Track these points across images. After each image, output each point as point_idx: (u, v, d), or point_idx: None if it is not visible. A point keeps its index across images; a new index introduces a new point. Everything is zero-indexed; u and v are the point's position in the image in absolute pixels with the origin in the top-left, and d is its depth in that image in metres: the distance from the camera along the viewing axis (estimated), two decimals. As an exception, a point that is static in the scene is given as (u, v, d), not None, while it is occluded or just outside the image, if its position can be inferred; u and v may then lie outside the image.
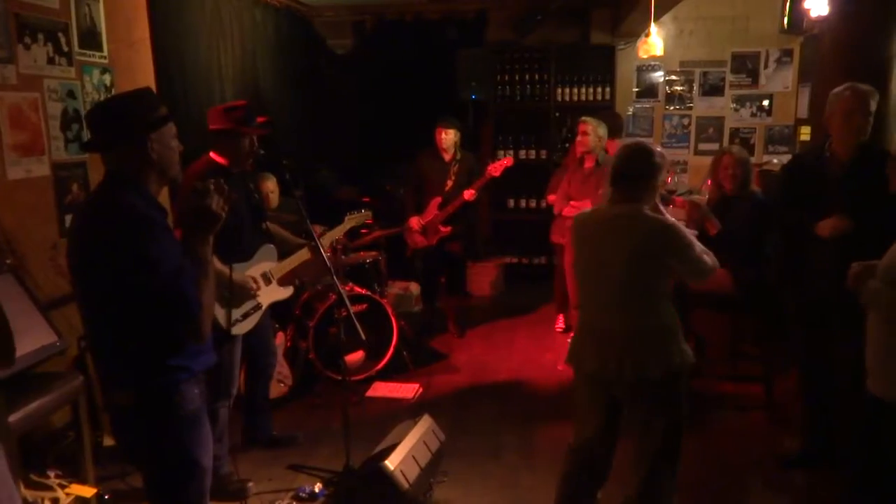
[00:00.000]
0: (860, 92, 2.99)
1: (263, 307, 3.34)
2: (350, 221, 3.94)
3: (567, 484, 2.70)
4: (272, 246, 3.42)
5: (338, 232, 3.93)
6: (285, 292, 3.50)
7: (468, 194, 5.00)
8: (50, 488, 2.84)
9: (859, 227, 2.92)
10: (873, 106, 2.99)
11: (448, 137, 5.07)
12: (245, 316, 3.21)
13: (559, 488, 2.73)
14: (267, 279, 3.36)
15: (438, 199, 5.13)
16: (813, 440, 3.33)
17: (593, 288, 2.55)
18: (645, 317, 2.43)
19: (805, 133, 6.24)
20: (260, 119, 3.23)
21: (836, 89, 3.07)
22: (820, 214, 3.05)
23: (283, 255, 3.49)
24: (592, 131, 4.48)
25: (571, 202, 4.54)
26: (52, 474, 2.91)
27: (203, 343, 2.03)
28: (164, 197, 2.53)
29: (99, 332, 2.02)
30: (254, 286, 3.24)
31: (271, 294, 3.40)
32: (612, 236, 2.46)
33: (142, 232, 1.86)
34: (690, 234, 2.50)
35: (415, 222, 5.16)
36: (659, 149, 2.53)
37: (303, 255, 3.50)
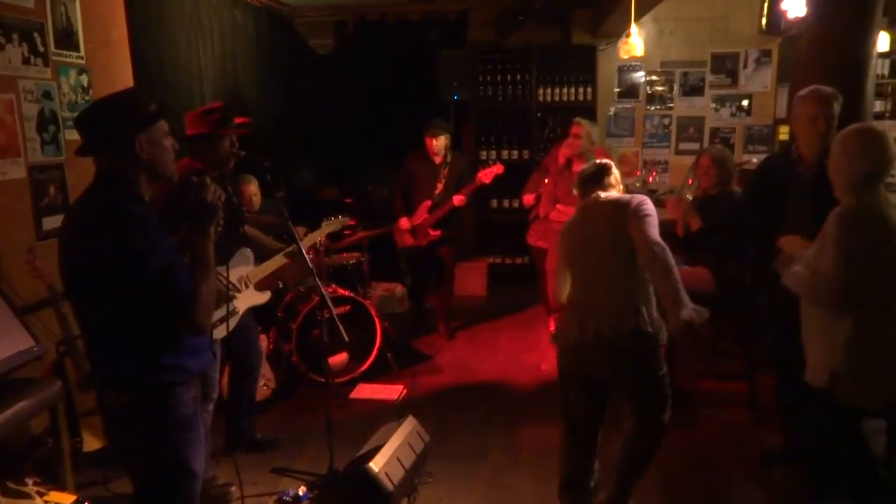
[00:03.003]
0: (822, 96, 3.00)
1: (240, 312, 3.31)
2: (327, 227, 3.91)
3: (563, 455, 2.93)
4: (249, 250, 3.39)
5: (315, 237, 3.90)
6: (262, 297, 3.48)
7: (458, 200, 4.97)
8: (28, 496, 2.79)
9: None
10: (836, 109, 3.00)
11: (439, 144, 5.02)
12: (221, 321, 3.18)
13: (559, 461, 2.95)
14: (244, 284, 3.32)
15: (428, 203, 5.09)
16: (793, 437, 3.37)
17: (579, 271, 2.80)
18: (621, 288, 2.69)
19: (784, 133, 6.31)
20: (239, 120, 3.20)
21: (801, 92, 3.09)
22: (788, 216, 3.08)
23: (260, 259, 3.46)
24: (586, 134, 4.42)
25: (558, 206, 4.49)
26: (30, 482, 2.85)
27: (204, 334, 2.05)
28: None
29: (93, 332, 2.01)
30: (230, 290, 3.20)
31: (247, 299, 3.37)
32: (589, 220, 2.81)
33: (129, 230, 1.86)
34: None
35: (405, 223, 5.13)
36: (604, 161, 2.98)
37: (279, 260, 3.47)
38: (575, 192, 2.97)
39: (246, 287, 3.34)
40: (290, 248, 3.44)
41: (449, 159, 5.12)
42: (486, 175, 4.94)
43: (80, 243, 1.92)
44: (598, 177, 2.88)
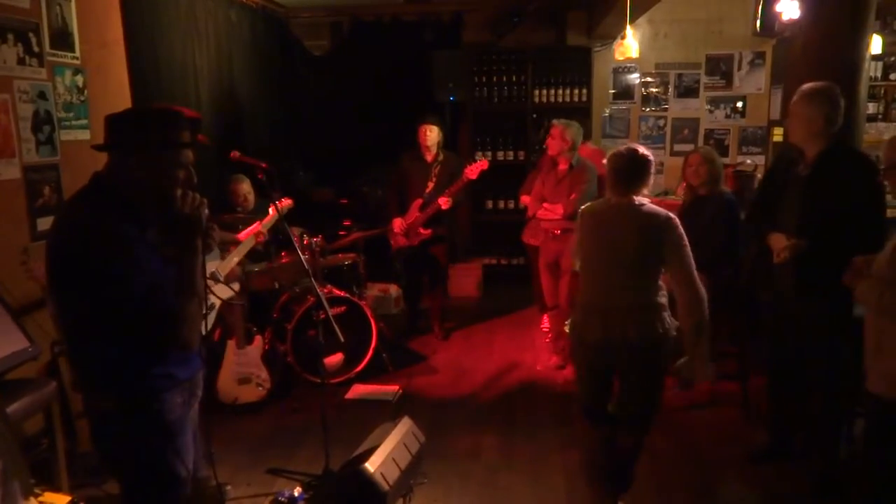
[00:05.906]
0: (804, 96, 2.99)
1: (216, 307, 3.34)
2: (273, 210, 3.91)
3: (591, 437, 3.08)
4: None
5: (267, 222, 3.95)
6: (234, 289, 3.52)
7: (443, 202, 4.99)
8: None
9: (814, 240, 2.94)
10: (827, 108, 2.93)
11: (432, 135, 5.05)
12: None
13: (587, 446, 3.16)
14: (215, 279, 3.34)
15: (419, 201, 5.11)
16: (779, 436, 3.40)
17: (600, 270, 2.86)
18: (644, 294, 2.79)
19: (778, 134, 6.34)
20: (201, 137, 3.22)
21: (796, 95, 3.06)
22: (781, 213, 3.10)
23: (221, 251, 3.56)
24: (558, 134, 4.50)
25: (545, 204, 4.53)
26: (24, 482, 2.85)
27: (190, 352, 1.99)
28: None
29: (76, 339, 1.97)
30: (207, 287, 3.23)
31: (220, 293, 3.40)
32: (617, 224, 2.81)
33: (110, 249, 1.81)
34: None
35: (398, 224, 5.14)
36: (644, 150, 2.85)
37: (242, 249, 3.51)
38: (608, 183, 2.86)
39: (217, 282, 3.36)
40: (240, 248, 3.62)
41: (441, 158, 5.14)
42: (472, 171, 4.97)
43: (62, 257, 1.85)
44: (633, 176, 2.80)
